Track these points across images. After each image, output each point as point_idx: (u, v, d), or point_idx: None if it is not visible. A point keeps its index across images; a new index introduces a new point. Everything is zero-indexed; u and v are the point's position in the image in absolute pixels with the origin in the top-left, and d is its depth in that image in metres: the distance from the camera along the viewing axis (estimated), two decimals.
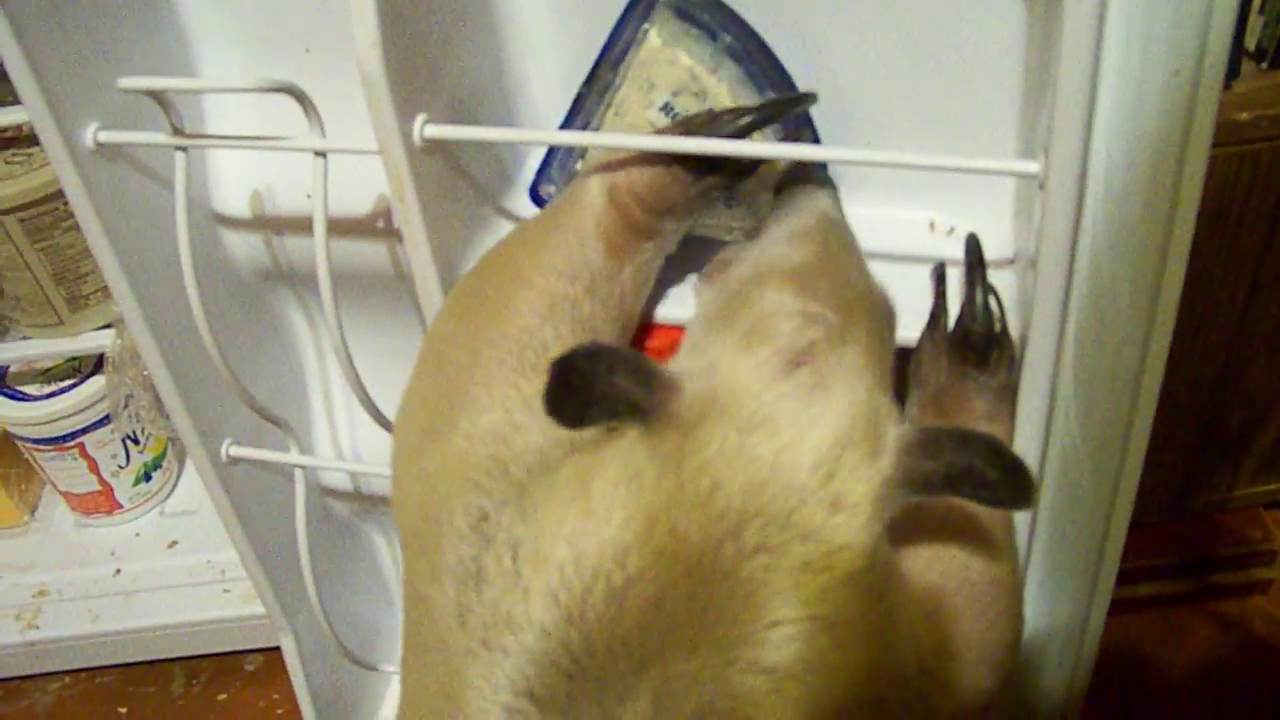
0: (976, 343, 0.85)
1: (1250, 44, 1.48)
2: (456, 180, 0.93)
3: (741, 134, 0.83)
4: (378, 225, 1.08)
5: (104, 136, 0.95)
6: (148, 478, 1.81)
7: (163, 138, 0.96)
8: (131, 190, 1.01)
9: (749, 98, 0.89)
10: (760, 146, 0.84)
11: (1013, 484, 0.64)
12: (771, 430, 0.64)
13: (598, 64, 0.92)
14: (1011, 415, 0.87)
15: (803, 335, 0.68)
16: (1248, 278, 1.56)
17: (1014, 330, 0.88)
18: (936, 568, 0.79)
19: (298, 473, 1.20)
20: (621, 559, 0.63)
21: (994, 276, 0.92)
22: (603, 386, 0.65)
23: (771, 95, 0.90)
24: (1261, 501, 1.85)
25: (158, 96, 0.91)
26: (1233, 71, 1.44)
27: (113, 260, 1.00)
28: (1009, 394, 0.87)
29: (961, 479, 0.64)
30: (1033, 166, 0.76)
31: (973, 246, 0.87)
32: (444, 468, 0.76)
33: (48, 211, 1.45)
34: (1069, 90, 0.71)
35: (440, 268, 0.90)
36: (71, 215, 1.39)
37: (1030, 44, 0.88)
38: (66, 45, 0.93)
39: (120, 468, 1.76)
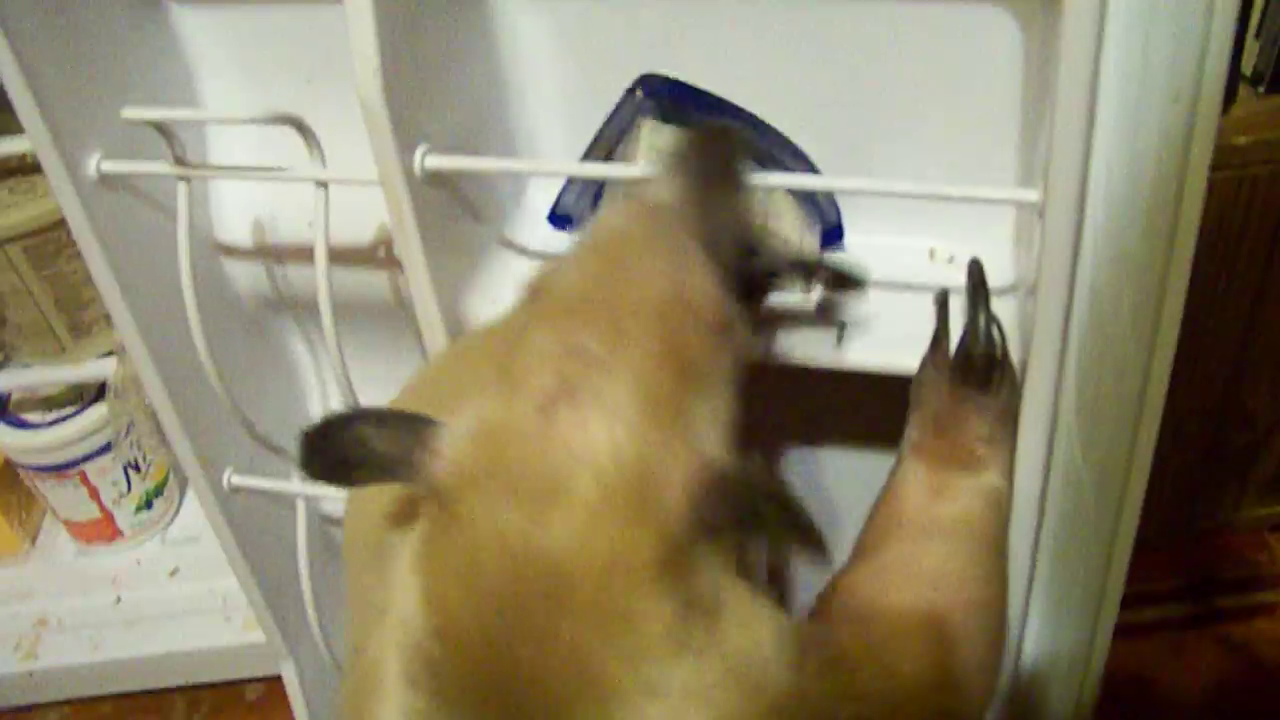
0: (978, 364, 0.85)
1: (1247, 68, 1.48)
2: (457, 210, 0.93)
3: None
4: (379, 254, 1.09)
5: (107, 166, 0.96)
6: (149, 505, 1.81)
7: (165, 168, 0.96)
8: (134, 219, 1.01)
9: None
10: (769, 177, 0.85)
11: (799, 531, 0.57)
12: (526, 497, 0.56)
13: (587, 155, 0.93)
14: (1012, 437, 0.87)
15: (557, 376, 0.59)
16: (1248, 300, 1.56)
17: (1015, 356, 0.88)
18: (938, 586, 0.80)
19: (299, 501, 1.20)
20: (427, 653, 0.58)
21: (995, 303, 0.92)
22: (351, 448, 0.61)
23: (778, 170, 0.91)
24: (1266, 524, 1.85)
25: (160, 127, 0.92)
26: (1230, 96, 1.44)
27: (115, 289, 1.00)
28: (1010, 417, 0.87)
29: (753, 522, 0.58)
30: (1032, 195, 0.76)
31: (975, 271, 0.86)
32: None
33: (51, 240, 1.46)
34: (1067, 118, 0.71)
35: (441, 297, 0.91)
36: (74, 243, 1.40)
37: (1028, 71, 0.88)
38: (71, 76, 0.94)
39: (121, 495, 1.76)
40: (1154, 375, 0.88)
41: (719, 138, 0.76)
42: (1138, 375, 0.88)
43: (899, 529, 0.86)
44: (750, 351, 0.70)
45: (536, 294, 0.67)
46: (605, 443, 0.57)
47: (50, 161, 0.94)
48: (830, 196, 0.96)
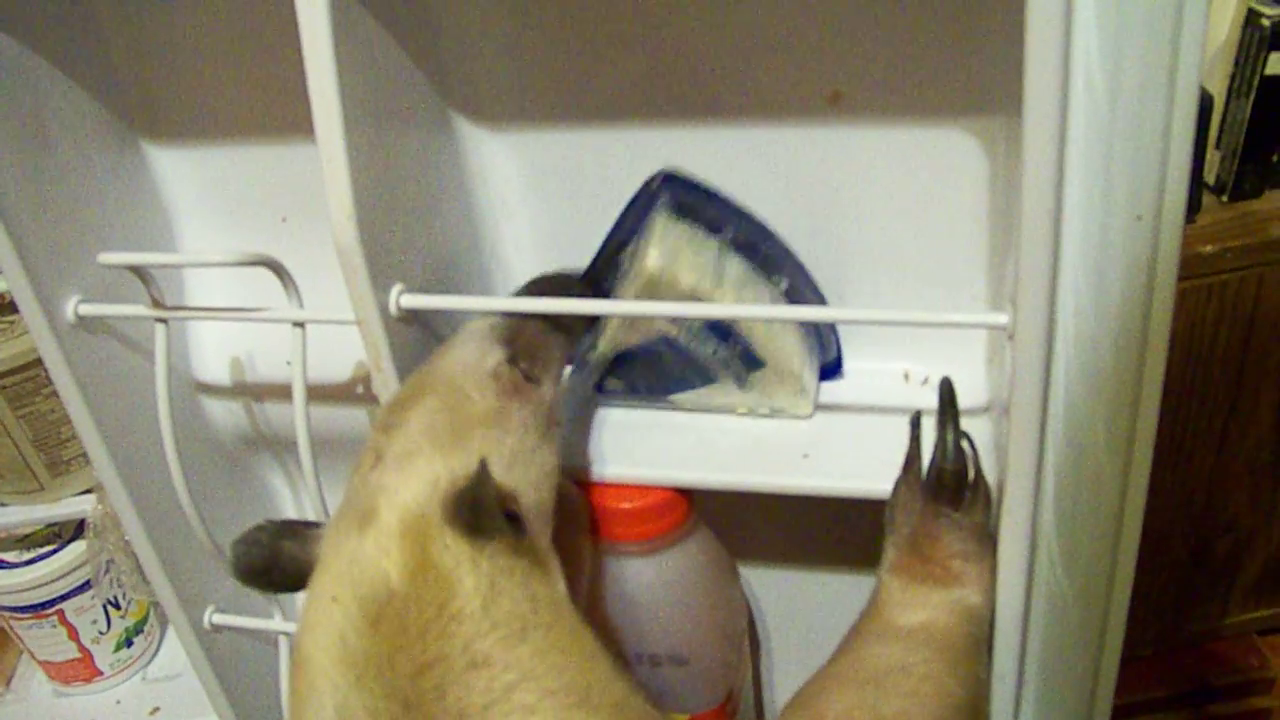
0: (949, 481, 0.85)
1: (1210, 178, 1.51)
2: (433, 346, 0.93)
3: None
4: (356, 390, 1.09)
5: (85, 309, 0.96)
6: (129, 643, 1.78)
7: (143, 310, 0.97)
8: (112, 360, 1.02)
9: (758, 287, 0.91)
10: (738, 309, 0.86)
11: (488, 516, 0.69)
12: (353, 529, 0.70)
13: (596, 263, 0.94)
14: (991, 555, 0.87)
15: (374, 450, 0.74)
16: (1224, 405, 1.58)
17: (991, 476, 0.88)
18: (885, 689, 0.80)
19: (282, 639, 1.19)
20: (329, 695, 0.68)
21: (969, 422, 0.93)
22: (264, 556, 0.76)
23: (780, 278, 0.93)
24: (1255, 628, 1.84)
25: (138, 271, 0.93)
26: (1194, 206, 1.47)
27: (92, 429, 1.00)
28: (986, 534, 0.87)
29: (476, 517, 0.69)
30: (1001, 318, 0.77)
31: (945, 389, 0.87)
32: None
33: (29, 378, 1.45)
34: (1032, 240, 0.72)
35: None
36: (52, 381, 1.40)
37: (994, 194, 0.90)
38: (48, 219, 0.95)
39: (101, 634, 1.73)
40: (1132, 488, 0.88)
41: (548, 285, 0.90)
42: (1116, 490, 0.88)
43: (857, 636, 0.87)
44: (550, 405, 0.84)
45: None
46: (396, 476, 0.72)
47: (27, 305, 0.94)
48: (834, 329, 0.97)
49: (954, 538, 0.86)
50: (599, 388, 1.00)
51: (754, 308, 0.91)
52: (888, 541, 0.89)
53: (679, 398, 0.99)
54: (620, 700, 0.71)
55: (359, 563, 0.69)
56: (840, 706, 0.79)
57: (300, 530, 0.77)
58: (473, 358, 0.81)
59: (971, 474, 0.86)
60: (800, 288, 0.96)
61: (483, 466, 0.68)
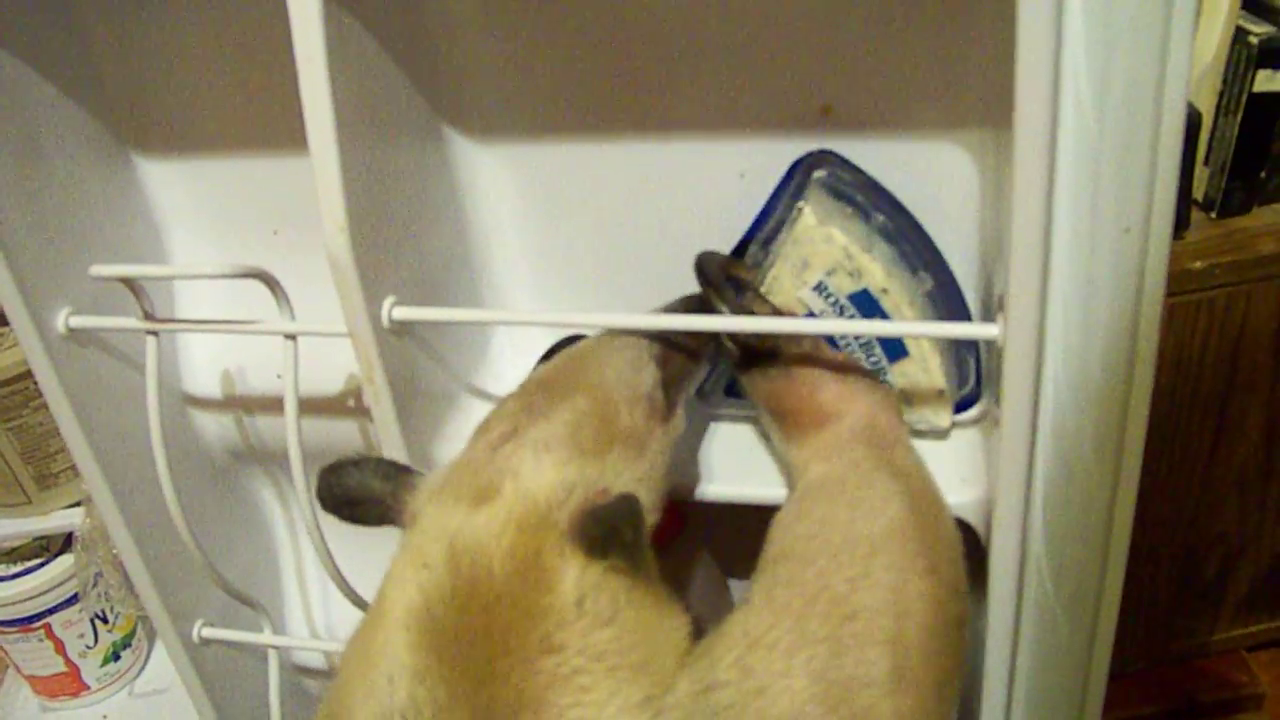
0: (755, 345, 0.87)
1: (1198, 195, 1.52)
2: (425, 360, 0.94)
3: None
4: (348, 403, 1.09)
5: (75, 322, 0.96)
6: (116, 657, 1.77)
7: (134, 322, 0.96)
8: (102, 373, 1.01)
9: (902, 278, 0.89)
10: (715, 320, 0.85)
11: (635, 540, 0.68)
12: (465, 500, 0.71)
13: (746, 241, 0.92)
14: (851, 378, 0.87)
15: (510, 424, 0.75)
16: (1213, 420, 1.58)
17: (981, 490, 0.88)
18: (819, 532, 0.79)
19: (271, 653, 1.19)
20: (402, 656, 0.68)
21: (958, 435, 0.93)
22: (355, 487, 0.76)
23: (925, 276, 0.90)
24: (1244, 644, 1.84)
25: (128, 283, 0.93)
26: (1183, 222, 1.48)
27: (82, 442, 1.00)
28: (820, 359, 0.87)
29: (610, 536, 0.68)
30: (992, 330, 0.77)
31: (701, 266, 0.88)
32: None
33: (18, 390, 1.45)
34: (1022, 253, 0.73)
35: (410, 445, 0.91)
36: (41, 394, 1.40)
37: (984, 206, 0.90)
38: (39, 231, 0.95)
39: (88, 648, 1.72)
40: (1120, 503, 0.88)
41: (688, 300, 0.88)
42: (1104, 503, 0.89)
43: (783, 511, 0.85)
44: (680, 431, 0.84)
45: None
46: (530, 465, 0.71)
47: (18, 316, 0.94)
48: (979, 360, 0.93)
49: (796, 381, 0.87)
50: (729, 391, 0.99)
51: (732, 320, 0.90)
52: (761, 419, 0.92)
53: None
54: (670, 664, 0.70)
55: (465, 536, 0.69)
56: (762, 589, 0.78)
57: (393, 472, 0.77)
58: (630, 371, 0.81)
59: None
60: (944, 293, 0.92)
61: (633, 499, 0.68)
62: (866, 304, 0.89)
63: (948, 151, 0.89)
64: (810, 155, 0.90)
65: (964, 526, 0.88)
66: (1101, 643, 0.95)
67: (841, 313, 0.89)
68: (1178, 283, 1.41)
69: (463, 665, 0.66)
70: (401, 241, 0.89)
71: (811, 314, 0.90)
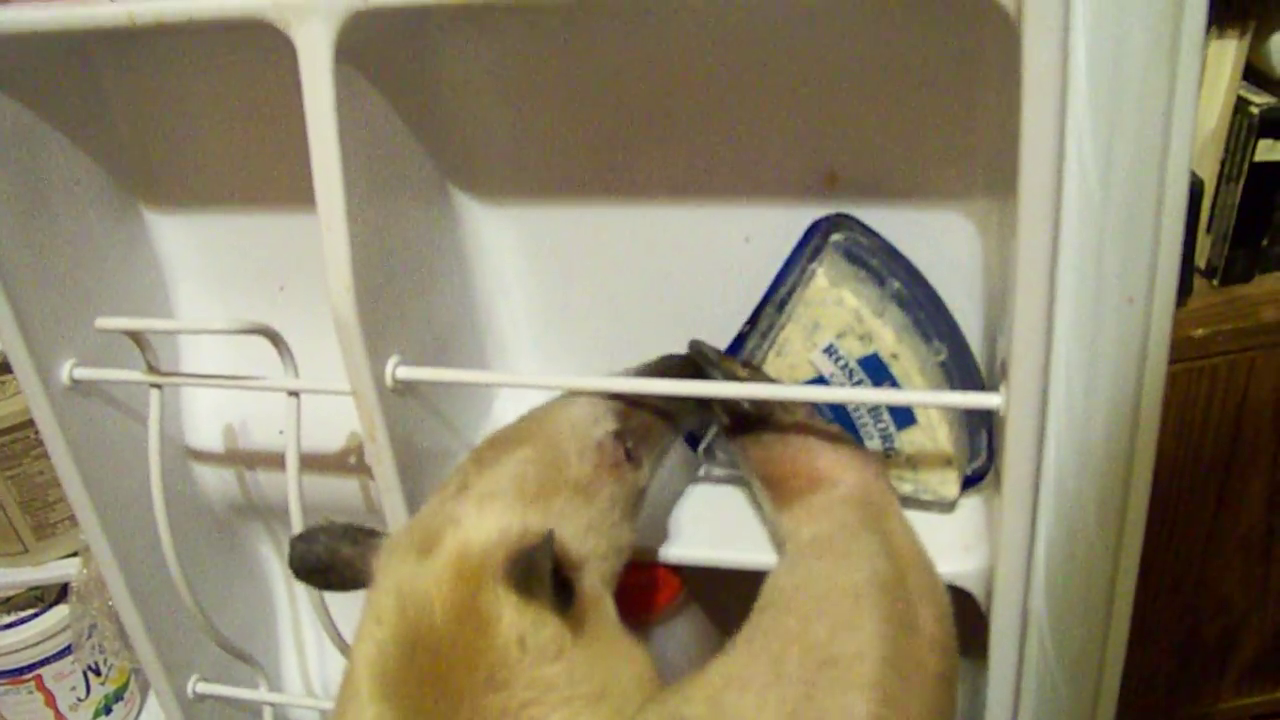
0: (751, 413, 0.88)
1: (1201, 262, 1.53)
2: (428, 419, 0.94)
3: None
4: (350, 461, 1.09)
5: (80, 373, 0.96)
6: (108, 710, 1.75)
7: (138, 375, 0.97)
8: (104, 424, 1.01)
9: (915, 345, 0.89)
10: (716, 386, 0.86)
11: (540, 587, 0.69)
12: (415, 552, 0.72)
13: (763, 304, 0.92)
14: (842, 445, 0.88)
15: (461, 480, 0.77)
16: (1215, 487, 1.58)
17: (983, 555, 0.87)
18: (803, 584, 0.80)
19: (266, 710, 1.18)
20: (367, 709, 0.70)
21: (962, 503, 0.93)
22: (323, 554, 0.78)
23: (939, 345, 0.90)
24: (1248, 715, 1.83)
25: (134, 336, 0.93)
26: (1185, 290, 1.48)
27: (82, 492, 0.99)
28: (813, 428, 0.88)
29: (526, 576, 0.69)
30: (994, 399, 0.77)
31: (699, 349, 0.89)
32: None
33: (18, 439, 1.45)
34: (1025, 323, 0.73)
35: (411, 505, 0.91)
36: (41, 443, 1.39)
37: (988, 276, 0.90)
38: (46, 284, 0.95)
39: (79, 700, 1.71)
40: (1122, 570, 0.88)
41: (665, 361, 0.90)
42: (1106, 570, 0.88)
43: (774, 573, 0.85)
44: (643, 488, 0.85)
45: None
46: (473, 511, 0.73)
47: (22, 367, 0.94)
48: (990, 434, 0.92)
49: (786, 449, 0.88)
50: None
51: (727, 386, 0.90)
52: (753, 488, 0.92)
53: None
54: (631, 694, 0.72)
55: (409, 589, 0.71)
56: (743, 636, 0.77)
57: (361, 537, 0.78)
58: (583, 422, 0.83)
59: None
60: (958, 363, 0.91)
61: (549, 536, 0.69)
62: (876, 369, 0.88)
63: (952, 220, 0.89)
64: (828, 219, 0.91)
65: (965, 595, 0.88)
66: (1104, 712, 0.95)
67: (850, 377, 0.89)
68: (1180, 350, 1.41)
69: (416, 708, 0.68)
70: (407, 301, 0.89)
71: (821, 378, 0.90)
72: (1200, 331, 1.43)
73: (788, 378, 0.91)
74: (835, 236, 0.90)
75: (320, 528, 0.79)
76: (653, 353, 0.93)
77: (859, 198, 0.90)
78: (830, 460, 0.87)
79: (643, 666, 0.75)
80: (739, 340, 0.94)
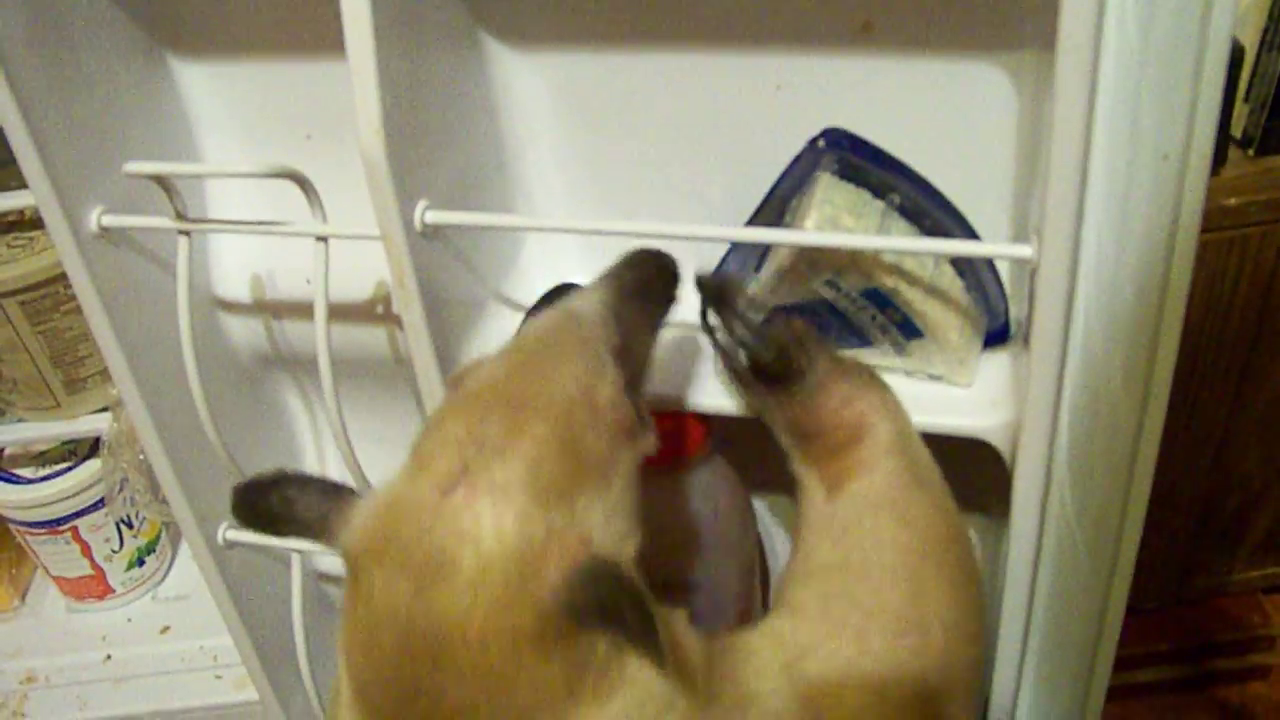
0: (779, 369, 0.83)
1: (1237, 131, 1.50)
2: (456, 266, 0.94)
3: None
4: (377, 311, 1.09)
5: (108, 220, 0.97)
6: (141, 562, 1.80)
7: (166, 222, 0.97)
8: (133, 273, 1.02)
9: (917, 265, 0.87)
10: (740, 231, 0.85)
11: (645, 632, 0.60)
12: (416, 571, 0.62)
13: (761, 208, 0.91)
14: (868, 383, 0.85)
15: (456, 459, 0.64)
16: (1240, 361, 1.57)
17: (1008, 413, 0.88)
18: (879, 577, 0.78)
19: (294, 557, 1.20)
20: None
21: (988, 360, 0.93)
22: (278, 509, 0.70)
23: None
24: (1260, 586, 1.85)
25: (162, 181, 0.93)
26: (1220, 158, 1.46)
27: (113, 342, 1.00)
28: (844, 370, 0.84)
29: (610, 617, 0.61)
30: (1026, 250, 0.77)
31: (706, 286, 0.84)
32: None
33: (49, 294, 1.46)
34: (1060, 175, 0.72)
35: (439, 353, 0.91)
36: (72, 298, 1.40)
37: (1021, 128, 0.89)
38: (73, 131, 0.95)
39: (114, 552, 1.75)
40: (1146, 434, 0.88)
41: (651, 260, 0.82)
42: (1130, 434, 0.89)
43: (803, 530, 0.84)
44: (650, 452, 0.75)
45: (457, 383, 0.73)
46: (490, 523, 0.61)
47: (52, 215, 0.94)
48: (1002, 290, 0.91)
49: (822, 399, 0.83)
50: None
51: (755, 231, 0.90)
52: (778, 438, 0.88)
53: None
54: (693, 687, 0.67)
55: (422, 624, 0.61)
56: (814, 598, 0.78)
57: (322, 494, 0.70)
58: (590, 376, 0.71)
59: (783, 338, 0.83)
60: (972, 260, 0.90)
61: (628, 579, 0.61)
62: (880, 299, 0.88)
63: (989, 73, 0.88)
64: (817, 138, 0.89)
65: (990, 450, 0.88)
66: (1121, 573, 0.96)
67: (853, 305, 0.89)
68: (1211, 219, 1.39)
69: None
70: (436, 146, 0.89)
71: (829, 304, 0.90)
72: (1233, 201, 1.41)
73: (792, 303, 0.91)
74: (827, 156, 0.89)
75: (271, 478, 0.71)
76: (680, 199, 0.93)
77: (893, 48, 0.89)
78: (863, 407, 0.83)
79: (699, 658, 0.69)
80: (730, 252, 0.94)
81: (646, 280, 0.81)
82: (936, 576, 0.79)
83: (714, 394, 0.95)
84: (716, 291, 0.84)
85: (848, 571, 0.78)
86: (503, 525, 0.61)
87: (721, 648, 0.72)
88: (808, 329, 0.84)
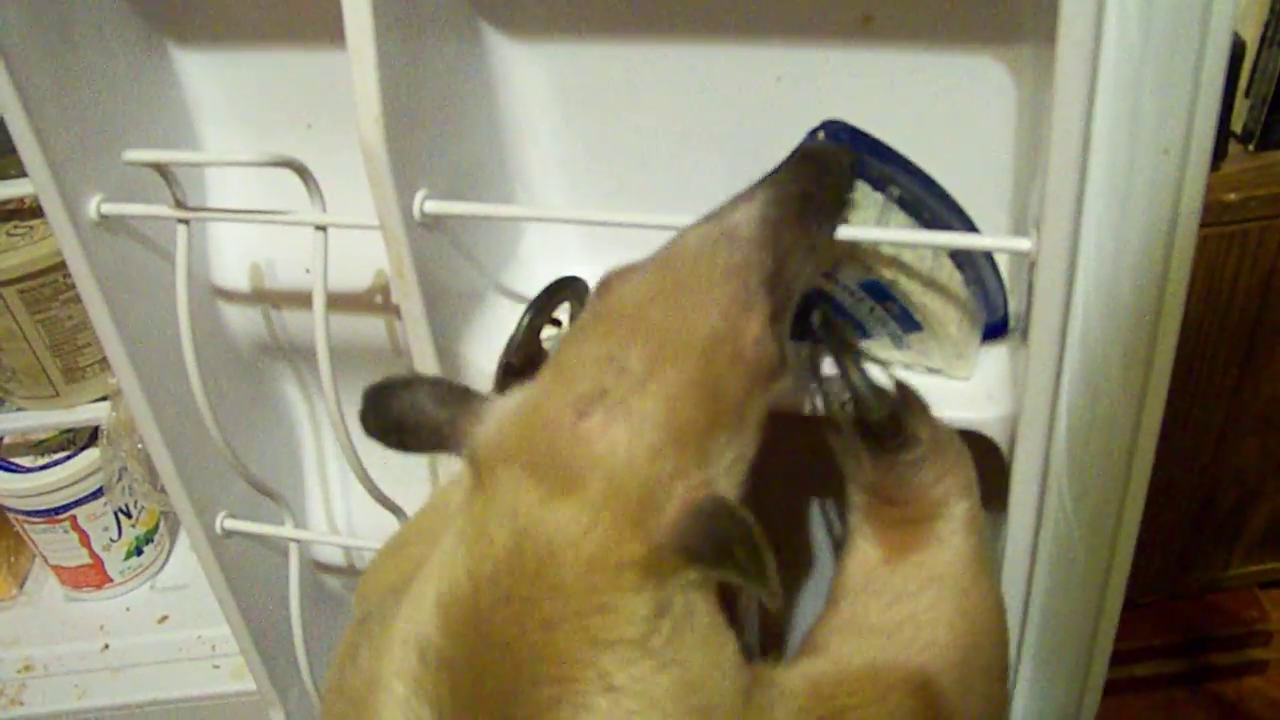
0: (883, 429, 0.79)
1: (1237, 126, 1.50)
2: (455, 256, 0.94)
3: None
4: (376, 300, 1.09)
5: (107, 209, 0.97)
6: (139, 552, 1.80)
7: (165, 210, 0.97)
8: (132, 262, 1.02)
9: (916, 258, 0.86)
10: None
11: (758, 570, 0.59)
12: (544, 479, 0.62)
13: None
14: (955, 452, 0.82)
15: (596, 381, 0.64)
16: (1239, 355, 1.57)
17: (1007, 407, 0.88)
18: (928, 653, 0.77)
19: (292, 547, 1.20)
20: (430, 642, 0.63)
21: (986, 353, 0.93)
22: (407, 411, 0.68)
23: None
24: (1257, 581, 1.85)
25: (161, 169, 0.93)
26: (1220, 153, 1.46)
27: (112, 331, 1.00)
28: (940, 444, 0.81)
29: (722, 554, 0.60)
30: (1025, 244, 0.77)
31: (829, 327, 0.81)
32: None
33: (47, 283, 1.46)
34: (1059, 168, 0.72)
35: (437, 344, 0.91)
36: (71, 287, 1.40)
37: (1021, 121, 0.89)
38: (73, 119, 0.95)
39: (112, 541, 1.75)
40: (1144, 428, 0.88)
41: (821, 165, 0.77)
42: (1128, 428, 0.89)
43: (848, 586, 0.83)
44: (788, 397, 0.72)
45: (604, 291, 0.71)
46: (623, 451, 0.61)
47: (51, 203, 0.94)
48: (1001, 284, 0.91)
49: (919, 473, 0.81)
50: None
51: None
52: (849, 488, 0.85)
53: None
54: (733, 707, 0.65)
55: (539, 531, 0.61)
56: (859, 656, 0.77)
57: (451, 397, 0.68)
58: (737, 309, 0.68)
59: (897, 400, 0.80)
60: (971, 253, 0.89)
61: (748, 524, 0.60)
62: (879, 291, 0.88)
63: (989, 66, 0.88)
64: (815, 130, 0.88)
65: (988, 443, 0.88)
66: (1119, 567, 0.96)
67: (851, 298, 0.89)
68: (1211, 214, 1.39)
69: (499, 674, 0.61)
70: (435, 136, 0.89)
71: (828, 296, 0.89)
72: (1233, 196, 1.41)
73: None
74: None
75: (401, 380, 0.69)
76: (680, 189, 0.92)
77: (894, 40, 0.89)
78: (951, 484, 0.81)
79: (741, 672, 0.67)
80: None
81: (811, 194, 0.75)
82: (981, 670, 0.79)
83: None
84: (842, 333, 0.81)
85: (896, 640, 0.77)
86: (635, 457, 0.61)
87: (760, 681, 0.70)
88: (919, 395, 0.81)
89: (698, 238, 0.72)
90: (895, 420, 0.79)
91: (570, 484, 0.61)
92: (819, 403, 0.87)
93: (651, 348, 0.65)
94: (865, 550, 0.83)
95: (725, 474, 0.66)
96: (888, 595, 0.80)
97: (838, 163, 0.78)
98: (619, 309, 0.68)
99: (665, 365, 0.64)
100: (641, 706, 0.61)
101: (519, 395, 0.67)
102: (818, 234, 0.75)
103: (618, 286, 0.70)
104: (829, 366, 0.83)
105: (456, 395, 0.68)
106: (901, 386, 0.80)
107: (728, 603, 0.68)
